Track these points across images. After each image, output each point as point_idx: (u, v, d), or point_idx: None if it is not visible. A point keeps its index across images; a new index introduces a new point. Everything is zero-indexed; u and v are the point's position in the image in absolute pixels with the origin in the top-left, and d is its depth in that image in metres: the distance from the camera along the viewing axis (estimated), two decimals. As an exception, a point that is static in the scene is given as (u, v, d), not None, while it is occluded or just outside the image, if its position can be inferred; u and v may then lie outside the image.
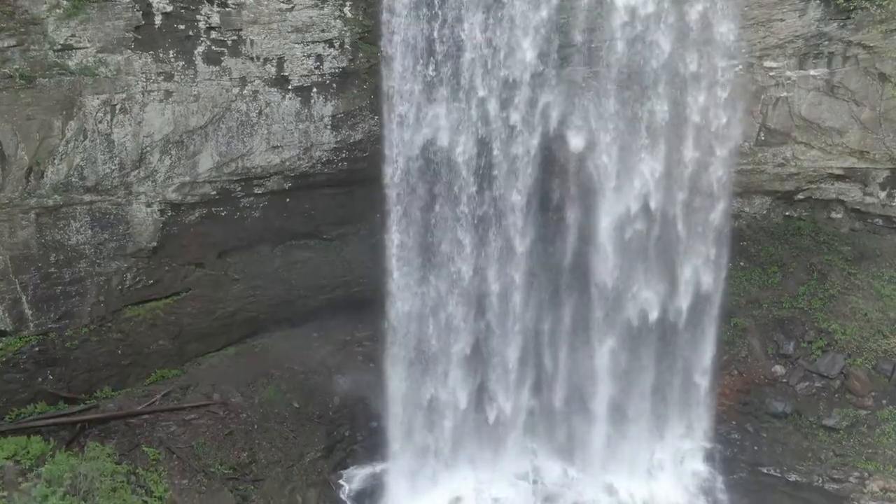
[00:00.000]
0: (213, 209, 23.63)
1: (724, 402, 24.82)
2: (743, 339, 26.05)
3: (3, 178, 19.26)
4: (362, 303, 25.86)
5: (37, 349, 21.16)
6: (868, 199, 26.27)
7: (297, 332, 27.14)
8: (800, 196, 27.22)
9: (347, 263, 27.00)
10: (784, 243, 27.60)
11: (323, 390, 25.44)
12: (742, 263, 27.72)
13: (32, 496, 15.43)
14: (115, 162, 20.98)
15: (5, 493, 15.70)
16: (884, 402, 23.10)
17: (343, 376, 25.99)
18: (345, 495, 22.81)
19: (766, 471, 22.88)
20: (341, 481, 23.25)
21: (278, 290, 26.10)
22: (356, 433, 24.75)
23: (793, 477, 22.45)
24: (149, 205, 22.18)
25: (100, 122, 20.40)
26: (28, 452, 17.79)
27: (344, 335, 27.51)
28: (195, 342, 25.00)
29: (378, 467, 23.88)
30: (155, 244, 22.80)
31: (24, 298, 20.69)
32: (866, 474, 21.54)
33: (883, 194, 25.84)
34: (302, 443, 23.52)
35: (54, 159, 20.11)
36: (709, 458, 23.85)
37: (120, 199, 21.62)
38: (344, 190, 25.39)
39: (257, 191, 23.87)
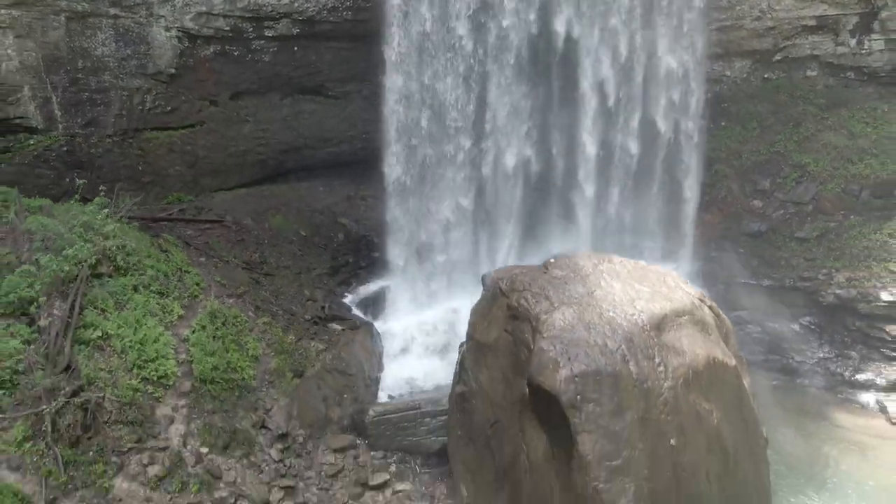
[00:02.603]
0: (226, 47, 25.34)
1: (705, 232, 26.46)
2: (723, 183, 27.70)
3: (37, -26, 20.98)
4: (366, 163, 27.53)
5: (65, 149, 22.80)
6: (840, 50, 27.95)
7: (303, 185, 28.85)
8: (777, 57, 28.94)
9: (351, 119, 28.68)
10: (763, 101, 29.25)
11: (328, 227, 27.14)
12: (723, 123, 29.40)
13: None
14: (138, -22, 22.76)
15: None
16: (852, 217, 24.68)
17: (347, 218, 27.69)
18: (349, 301, 24.33)
19: (742, 281, 24.40)
20: (346, 292, 24.82)
21: (286, 136, 27.80)
22: (359, 261, 26.36)
23: (766, 282, 24.02)
24: (168, 29, 23.91)
25: (124, -64, 22.18)
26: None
27: (348, 191, 29.15)
28: (209, 176, 26.67)
29: (381, 284, 25.48)
30: (173, 70, 24.51)
31: (54, 99, 22.33)
32: (833, 271, 23.06)
33: (853, 42, 27.51)
34: (309, 260, 25.17)
35: (82, -35, 21.88)
36: (691, 275, 25.34)
37: (142, 20, 23.36)
38: (348, 45, 27.09)
39: (268, 33, 25.56)
